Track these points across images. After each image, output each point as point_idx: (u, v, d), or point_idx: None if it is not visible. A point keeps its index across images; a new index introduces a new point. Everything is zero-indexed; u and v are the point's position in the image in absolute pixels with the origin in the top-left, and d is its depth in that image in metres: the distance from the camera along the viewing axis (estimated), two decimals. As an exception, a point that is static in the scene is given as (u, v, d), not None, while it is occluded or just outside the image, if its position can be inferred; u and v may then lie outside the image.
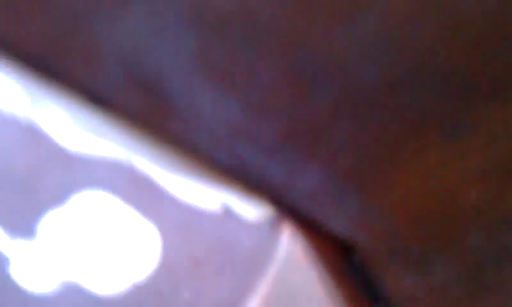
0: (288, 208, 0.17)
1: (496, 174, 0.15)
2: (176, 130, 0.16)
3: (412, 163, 0.15)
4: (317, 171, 0.16)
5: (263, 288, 0.16)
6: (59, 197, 0.16)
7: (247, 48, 0.14)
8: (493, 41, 0.13)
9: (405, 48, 0.13)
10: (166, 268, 0.16)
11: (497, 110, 0.14)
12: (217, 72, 0.14)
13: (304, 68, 0.14)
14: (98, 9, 0.14)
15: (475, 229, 0.16)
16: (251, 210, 0.17)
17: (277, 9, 0.13)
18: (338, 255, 0.18)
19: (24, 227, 0.15)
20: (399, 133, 0.14)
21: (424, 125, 0.14)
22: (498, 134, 0.14)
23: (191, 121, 0.16)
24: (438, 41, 0.13)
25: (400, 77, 0.13)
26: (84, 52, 0.15)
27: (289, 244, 0.17)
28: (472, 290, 0.17)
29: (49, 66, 0.16)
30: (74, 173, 0.16)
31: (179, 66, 0.15)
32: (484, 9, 0.12)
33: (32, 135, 0.16)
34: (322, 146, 0.15)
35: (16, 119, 0.16)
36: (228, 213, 0.17)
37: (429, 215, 0.16)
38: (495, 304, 0.17)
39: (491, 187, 0.15)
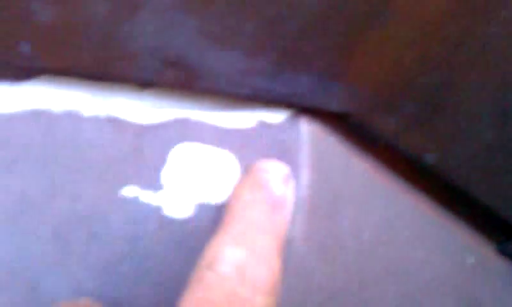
0: (298, 107, 0.25)
1: (418, 41, 0.22)
2: (204, 86, 0.24)
3: (361, 49, 0.23)
4: (306, 76, 0.24)
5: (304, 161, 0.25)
6: (162, 155, 0.25)
7: (231, 14, 0.21)
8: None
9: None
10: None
11: (398, 6, 0.21)
12: (217, 37, 0.22)
13: (272, 16, 0.22)
14: (122, 21, 0.22)
15: (421, 75, 0.23)
16: (276, 117, 0.25)
17: None
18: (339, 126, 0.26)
19: (155, 183, 0.25)
20: (347, 35, 0.22)
21: (359, 22, 0.22)
22: (411, 14, 0.22)
23: (212, 76, 0.24)
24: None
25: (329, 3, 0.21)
26: (126, 55, 0.23)
27: (308, 126, 0.25)
28: (429, 111, 0.25)
29: (104, 73, 0.24)
30: (157, 137, 0.25)
31: (189, 43, 0.22)
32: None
33: (116, 124, 0.24)
34: (302, 58, 0.23)
35: (98, 117, 0.24)
36: (263, 124, 0.25)
37: (387, 76, 0.24)
38: (447, 116, 0.25)
39: (417, 51, 0.22)
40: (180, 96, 0.25)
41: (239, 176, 0.25)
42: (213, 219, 0.25)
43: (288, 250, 0.26)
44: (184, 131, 0.25)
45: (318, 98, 0.25)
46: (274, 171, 0.24)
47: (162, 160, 0.25)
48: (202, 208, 0.25)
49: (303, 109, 0.25)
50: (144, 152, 0.25)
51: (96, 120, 0.24)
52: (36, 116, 0.24)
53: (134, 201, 0.25)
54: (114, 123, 0.24)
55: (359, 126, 0.26)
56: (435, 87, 0.24)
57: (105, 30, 0.22)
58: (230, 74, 0.23)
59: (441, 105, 0.24)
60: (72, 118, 0.24)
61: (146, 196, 0.25)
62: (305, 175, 0.26)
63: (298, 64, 0.23)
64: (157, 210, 0.25)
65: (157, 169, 0.25)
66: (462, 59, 0.23)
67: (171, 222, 0.25)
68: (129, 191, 0.25)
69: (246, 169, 0.25)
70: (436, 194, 0.30)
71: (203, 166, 0.25)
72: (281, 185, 0.23)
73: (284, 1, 0.21)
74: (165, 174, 0.25)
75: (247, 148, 0.25)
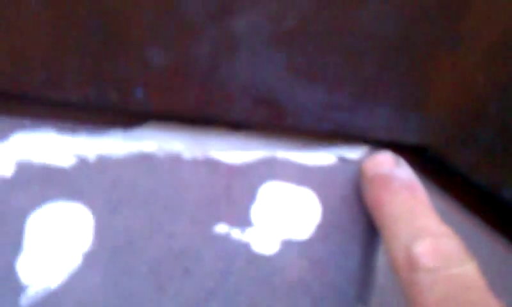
0: (376, 141, 0.26)
1: (489, 63, 0.24)
2: (290, 123, 0.26)
3: (436, 76, 0.24)
4: (385, 108, 0.25)
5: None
6: (251, 193, 0.26)
7: (314, 47, 0.24)
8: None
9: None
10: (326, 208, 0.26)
11: (473, 24, 0.23)
12: (302, 71, 0.24)
13: (351, 47, 0.24)
14: (222, 61, 0.24)
15: (493, 99, 0.25)
16: (355, 153, 0.27)
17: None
18: (417, 160, 0.27)
19: (244, 220, 0.25)
20: (422, 62, 0.24)
21: (434, 47, 0.24)
22: (480, 35, 0.24)
23: (297, 112, 0.25)
24: None
25: (408, 29, 0.23)
26: (224, 95, 0.25)
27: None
28: (504, 139, 0.26)
29: (203, 114, 0.25)
30: (247, 177, 0.26)
31: (279, 80, 0.24)
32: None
33: (211, 165, 0.26)
34: (380, 88, 0.25)
35: (195, 159, 0.26)
36: (343, 159, 0.26)
37: (460, 104, 0.25)
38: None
39: (488, 73, 0.24)
40: (267, 136, 0.27)
41: (319, 212, 0.26)
42: (296, 255, 0.25)
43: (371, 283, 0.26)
44: (270, 170, 0.26)
45: (395, 131, 0.26)
46: (385, 163, 0.24)
47: (251, 198, 0.26)
48: (287, 244, 0.25)
49: (381, 143, 0.26)
50: (235, 191, 0.26)
51: (194, 162, 0.26)
52: (142, 159, 0.25)
53: (225, 238, 0.25)
54: (209, 164, 0.26)
55: (436, 160, 0.27)
56: (507, 112, 0.25)
57: (207, 71, 0.24)
58: (313, 109, 0.25)
59: (515, 132, 0.26)
60: (173, 160, 0.26)
61: (236, 233, 0.25)
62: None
63: (377, 96, 0.25)
64: (246, 246, 0.25)
65: (246, 207, 0.26)
66: (531, 80, 0.25)
67: (259, 258, 0.25)
68: (221, 228, 0.25)
69: (364, 181, 0.25)
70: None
71: (287, 204, 0.26)
72: (399, 170, 0.24)
73: (363, 33, 0.23)
74: (254, 212, 0.26)
75: (327, 183, 0.26)
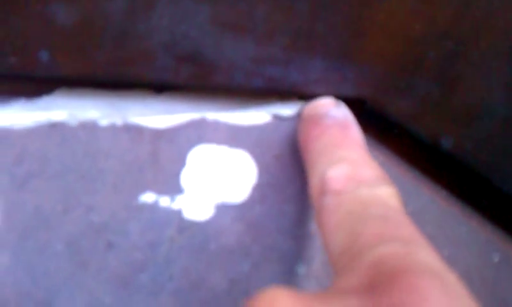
0: (311, 97, 0.25)
1: (424, 10, 0.23)
2: (218, 81, 0.24)
3: (371, 25, 0.23)
4: (319, 60, 0.24)
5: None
6: (180, 158, 0.24)
7: (240, 2, 0.22)
8: None
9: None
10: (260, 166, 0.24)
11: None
12: (229, 25, 0.22)
13: None
14: (138, 17, 0.22)
15: (430, 47, 0.24)
16: (290, 110, 0.25)
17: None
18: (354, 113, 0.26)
19: (173, 187, 0.24)
20: (355, 10, 0.22)
21: None
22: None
23: (226, 69, 0.23)
24: None
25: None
26: (142, 54, 0.23)
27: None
28: (442, 88, 0.25)
29: (120, 76, 0.23)
30: (174, 141, 0.24)
31: (204, 34, 0.22)
32: None
33: (132, 131, 0.24)
34: (314, 39, 0.23)
35: (114, 125, 0.24)
36: (277, 117, 0.25)
37: (397, 53, 0.24)
38: (460, 92, 0.25)
39: (424, 20, 0.23)
40: (195, 98, 0.25)
41: (254, 173, 0.24)
42: (232, 219, 0.24)
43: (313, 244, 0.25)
44: (200, 133, 0.24)
45: (331, 84, 0.24)
46: (323, 105, 0.23)
47: (181, 164, 0.24)
48: (221, 209, 0.24)
49: (317, 97, 0.25)
50: (162, 157, 0.24)
51: (112, 129, 0.23)
52: (52, 129, 0.23)
53: (153, 206, 0.23)
54: (131, 130, 0.24)
55: (374, 113, 0.26)
56: (445, 60, 0.24)
57: (122, 28, 0.22)
58: (243, 64, 0.23)
59: (452, 81, 0.25)
60: (88, 128, 0.23)
61: (165, 201, 0.23)
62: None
63: (310, 47, 0.23)
64: (177, 214, 0.23)
65: (176, 173, 0.24)
66: (467, 27, 0.23)
67: (192, 225, 0.23)
68: (147, 197, 0.23)
69: (300, 123, 0.24)
70: (455, 186, 0.29)
71: (220, 167, 0.24)
72: (335, 110, 0.23)
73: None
74: (184, 178, 0.24)
75: (262, 143, 0.25)
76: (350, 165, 0.20)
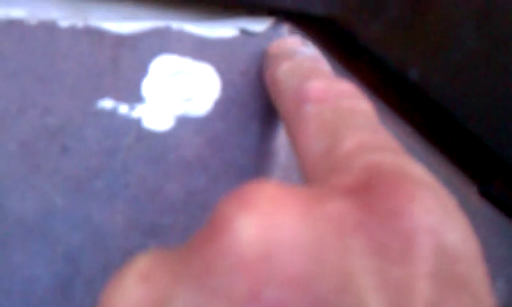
0: (281, 13, 0.24)
1: None
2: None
3: None
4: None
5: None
6: (142, 66, 0.23)
7: None
8: None
9: None
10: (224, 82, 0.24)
11: None
12: None
13: None
14: None
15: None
16: (258, 26, 0.24)
17: None
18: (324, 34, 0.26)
19: (133, 95, 0.23)
20: None
21: None
22: None
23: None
24: None
25: None
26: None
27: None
28: (413, 13, 0.24)
29: None
30: (137, 49, 0.23)
31: None
32: None
33: (94, 35, 0.23)
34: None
35: (75, 28, 0.23)
36: (245, 32, 0.24)
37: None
38: (430, 19, 0.24)
39: None
40: (161, 5, 0.24)
41: (217, 88, 0.24)
42: (192, 132, 0.23)
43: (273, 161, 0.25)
44: (164, 42, 0.23)
45: (302, 0, 0.24)
46: (290, 42, 0.23)
47: (142, 73, 0.23)
48: (182, 121, 0.23)
49: (285, 15, 0.24)
50: (123, 64, 0.23)
51: (72, 31, 0.22)
52: (9, 26, 0.22)
53: (111, 113, 0.23)
54: (92, 33, 0.23)
55: (343, 34, 0.25)
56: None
57: None
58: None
59: (423, 7, 0.24)
60: (48, 28, 0.22)
61: (124, 109, 0.23)
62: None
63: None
64: (136, 122, 0.23)
65: (136, 81, 0.23)
66: (445, -51, 0.23)
67: (150, 135, 0.23)
68: (106, 103, 0.23)
69: (267, 60, 0.23)
70: (420, 121, 0.29)
71: (182, 79, 0.24)
72: (304, 48, 0.22)
73: None
74: (145, 87, 0.23)
75: (227, 58, 0.24)
76: (327, 80, 0.20)
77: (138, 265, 0.14)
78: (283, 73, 0.22)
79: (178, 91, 0.24)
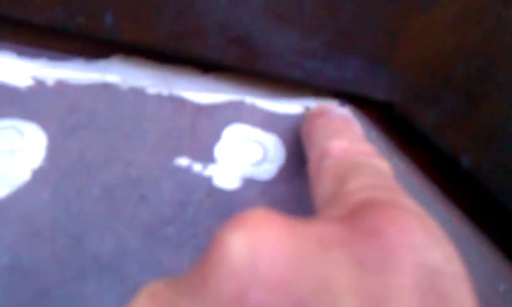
0: (345, 96, 0.27)
1: (457, 26, 0.25)
2: (261, 66, 0.26)
3: (407, 34, 0.25)
4: (355, 60, 0.26)
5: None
6: (216, 133, 0.26)
7: None
8: None
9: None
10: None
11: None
12: (279, 15, 0.24)
13: None
14: (195, 0, 0.24)
15: (460, 62, 0.26)
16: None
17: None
18: (383, 118, 0.28)
19: (207, 156, 0.25)
20: (395, 17, 0.25)
21: (408, 5, 0.24)
22: (450, 4, 0.24)
23: (270, 56, 0.26)
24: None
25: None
26: (198, 30, 0.25)
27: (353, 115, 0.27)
28: (468, 105, 0.26)
29: (174, 49, 0.25)
30: (213, 117, 0.26)
31: (255, 20, 0.25)
32: None
33: (176, 102, 0.26)
34: (353, 39, 0.25)
35: (160, 95, 0.26)
36: (309, 110, 0.27)
37: (428, 64, 0.26)
38: (484, 111, 0.26)
39: (457, 36, 0.25)
40: (237, 80, 0.27)
41: (283, 156, 0.26)
42: (258, 193, 0.25)
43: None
44: (237, 113, 0.26)
45: (364, 85, 0.26)
46: (328, 104, 0.25)
47: (216, 138, 0.26)
48: (249, 182, 0.25)
49: (348, 98, 0.27)
50: (200, 129, 0.26)
51: (158, 97, 0.26)
52: (104, 88, 0.25)
53: (186, 170, 0.25)
54: (175, 101, 0.26)
55: (400, 120, 0.27)
56: (473, 77, 0.26)
57: (183, 3, 0.24)
58: (286, 54, 0.25)
59: (478, 99, 0.26)
60: (137, 93, 0.25)
61: (198, 167, 0.25)
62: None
63: (349, 46, 0.25)
64: (207, 180, 0.25)
65: (210, 145, 0.26)
66: (498, 47, 0.25)
67: (219, 192, 0.25)
68: (182, 161, 0.25)
69: (308, 115, 0.26)
70: (470, 206, 0.30)
71: (252, 146, 0.26)
72: (340, 109, 0.24)
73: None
74: (217, 150, 0.26)
75: (292, 131, 0.26)
76: (349, 141, 0.22)
77: (149, 288, 0.16)
78: (316, 127, 0.24)
79: (247, 156, 0.26)
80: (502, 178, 0.28)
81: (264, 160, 0.26)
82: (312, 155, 0.23)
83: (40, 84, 0.24)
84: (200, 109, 0.26)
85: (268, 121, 0.26)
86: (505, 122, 0.27)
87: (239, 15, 0.24)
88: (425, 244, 0.15)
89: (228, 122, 0.26)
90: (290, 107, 0.27)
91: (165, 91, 0.26)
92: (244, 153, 0.26)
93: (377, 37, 0.25)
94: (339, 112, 0.25)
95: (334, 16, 0.25)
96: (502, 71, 0.26)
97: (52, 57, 0.26)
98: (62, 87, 0.25)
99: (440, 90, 0.26)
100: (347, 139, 0.22)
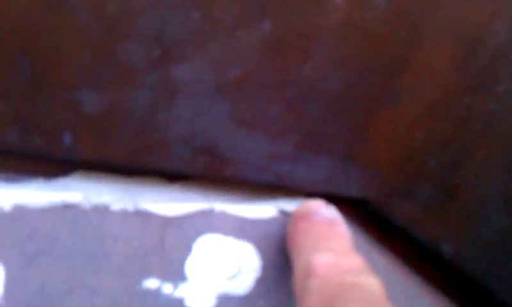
0: (318, 195, 0.26)
1: (427, 120, 0.24)
2: (231, 174, 0.25)
3: (376, 130, 0.24)
4: (326, 160, 0.25)
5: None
6: (186, 246, 0.24)
7: (258, 97, 0.23)
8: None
9: (349, 69, 0.23)
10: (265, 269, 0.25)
11: (413, 82, 0.23)
12: (245, 122, 0.24)
13: (295, 98, 0.23)
14: (161, 108, 0.23)
15: (432, 155, 0.25)
16: (296, 206, 0.26)
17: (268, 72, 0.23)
18: (358, 215, 0.27)
19: (177, 274, 0.24)
20: (362, 114, 0.24)
21: (374, 102, 0.24)
22: (419, 92, 0.24)
23: (239, 163, 0.25)
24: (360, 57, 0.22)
25: (350, 84, 0.23)
26: (161, 144, 0.24)
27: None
28: (444, 195, 0.26)
29: (138, 164, 0.24)
30: (182, 229, 0.25)
31: (221, 128, 0.24)
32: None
33: (142, 217, 0.25)
34: (322, 140, 0.24)
35: (125, 210, 0.24)
36: (284, 213, 0.25)
37: (400, 158, 0.25)
38: (460, 199, 0.26)
39: (427, 130, 0.24)
40: (204, 188, 0.26)
41: (258, 266, 0.25)
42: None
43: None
44: (207, 222, 0.25)
45: (336, 184, 0.25)
46: (313, 204, 0.24)
47: (186, 251, 0.24)
48: (224, 300, 0.24)
49: (322, 195, 0.26)
50: (169, 244, 0.24)
51: (123, 214, 0.24)
52: (64, 209, 0.24)
53: (156, 293, 0.23)
54: (141, 215, 0.24)
55: (377, 215, 0.26)
56: (446, 168, 0.25)
57: (144, 118, 0.23)
58: (255, 160, 0.24)
59: (453, 189, 0.26)
60: (100, 212, 0.24)
61: (168, 288, 0.24)
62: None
63: (318, 147, 0.25)
64: (179, 301, 0.23)
65: (181, 260, 0.24)
66: (467, 138, 0.25)
67: (194, 315, 0.23)
68: (151, 283, 0.23)
69: (290, 219, 0.24)
70: (456, 294, 0.29)
71: (225, 257, 0.25)
72: (326, 209, 0.23)
73: (306, 85, 0.23)
74: (188, 265, 0.24)
75: (267, 237, 0.25)
76: (334, 254, 0.21)
77: None
78: (299, 232, 0.23)
79: (221, 269, 0.24)
80: (485, 264, 0.28)
81: (238, 272, 0.24)
82: (296, 267, 0.22)
83: (-6, 212, 0.23)
84: (168, 221, 0.24)
85: (240, 228, 0.25)
86: (482, 208, 0.26)
87: (203, 124, 0.23)
88: None
89: (198, 233, 0.25)
90: (264, 210, 0.25)
91: (130, 206, 0.24)
92: (217, 266, 0.24)
93: (346, 135, 0.24)
94: (324, 214, 0.24)
95: (301, 119, 0.24)
96: (474, 159, 0.25)
97: (7, 179, 0.25)
98: (20, 212, 0.23)
99: (414, 183, 0.26)
100: (333, 250, 0.21)
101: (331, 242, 0.22)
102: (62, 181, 0.25)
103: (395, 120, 0.24)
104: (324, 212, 0.24)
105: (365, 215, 0.27)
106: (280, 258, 0.25)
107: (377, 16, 0.22)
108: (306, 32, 0.22)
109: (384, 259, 0.27)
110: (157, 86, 0.22)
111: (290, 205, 0.26)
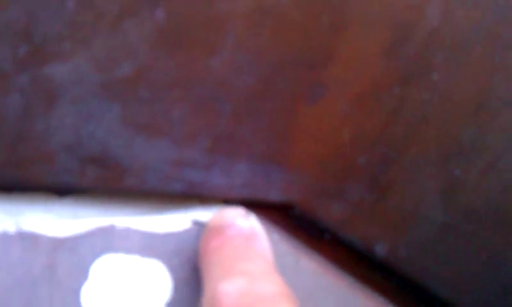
0: (236, 201, 0.23)
1: (354, 115, 0.21)
2: (131, 185, 0.21)
3: (298, 129, 0.21)
4: (244, 163, 0.22)
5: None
6: (81, 271, 0.21)
7: (155, 102, 0.20)
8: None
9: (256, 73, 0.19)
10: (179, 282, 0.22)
11: (337, 74, 0.20)
12: (142, 126, 0.20)
13: (202, 97, 0.20)
14: (37, 116, 0.19)
15: (361, 152, 0.22)
16: (210, 215, 0.23)
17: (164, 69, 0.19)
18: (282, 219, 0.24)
19: (71, 306, 0.20)
20: (281, 113, 0.21)
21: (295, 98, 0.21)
22: (345, 86, 0.21)
23: (140, 172, 0.21)
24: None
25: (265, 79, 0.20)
26: (41, 155, 0.20)
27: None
28: (374, 193, 0.23)
29: (16, 181, 0.20)
30: (76, 251, 0.21)
31: (113, 135, 0.20)
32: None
33: (27, 241, 0.21)
34: (237, 142, 0.21)
35: (6, 234, 0.21)
36: (198, 224, 0.22)
37: (326, 158, 0.22)
38: (393, 197, 0.23)
39: (354, 126, 0.22)
40: (103, 201, 0.22)
41: (169, 287, 0.22)
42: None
43: None
44: (107, 241, 0.21)
45: (257, 188, 0.22)
46: (229, 214, 0.21)
47: (82, 277, 0.21)
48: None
49: (241, 202, 0.23)
50: (61, 270, 0.21)
51: (3, 238, 0.20)
52: None
53: (45, 331, 0.20)
54: (25, 238, 0.20)
55: (303, 218, 0.24)
56: (377, 164, 0.23)
57: (17, 128, 0.19)
58: (160, 168, 0.21)
59: (385, 186, 0.23)
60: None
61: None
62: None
63: (233, 151, 0.21)
64: (75, 339, 0.20)
65: (76, 288, 0.21)
66: (399, 131, 0.22)
67: (92, 352, 0.20)
68: (39, 320, 0.20)
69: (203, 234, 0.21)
70: (392, 292, 0.27)
71: (128, 280, 0.21)
72: (241, 220, 0.20)
73: (216, 82, 0.20)
74: (84, 294, 0.21)
75: (179, 252, 0.22)
76: (247, 279, 0.18)
77: None
78: (210, 251, 0.20)
79: (123, 295, 0.21)
80: (423, 262, 0.26)
81: (145, 297, 0.21)
82: (204, 297, 0.19)
83: None
84: (59, 243, 0.21)
85: (147, 245, 0.22)
86: (417, 205, 0.24)
87: (91, 131, 0.20)
88: None
89: (96, 254, 0.21)
90: (174, 222, 0.22)
91: (11, 228, 0.20)
92: (118, 293, 0.21)
93: (265, 135, 0.21)
94: (241, 226, 0.21)
95: (211, 120, 0.20)
96: (407, 154, 0.23)
97: None
98: None
99: (342, 183, 0.23)
100: (247, 273, 0.18)
101: (246, 264, 0.19)
102: None
103: (318, 116, 0.21)
104: (241, 223, 0.21)
105: (291, 219, 0.24)
106: (195, 277, 0.22)
107: (295, 0, 0.18)
108: (209, 20, 0.18)
109: (313, 263, 0.25)
110: (29, 89, 0.18)
111: (205, 214, 0.23)
